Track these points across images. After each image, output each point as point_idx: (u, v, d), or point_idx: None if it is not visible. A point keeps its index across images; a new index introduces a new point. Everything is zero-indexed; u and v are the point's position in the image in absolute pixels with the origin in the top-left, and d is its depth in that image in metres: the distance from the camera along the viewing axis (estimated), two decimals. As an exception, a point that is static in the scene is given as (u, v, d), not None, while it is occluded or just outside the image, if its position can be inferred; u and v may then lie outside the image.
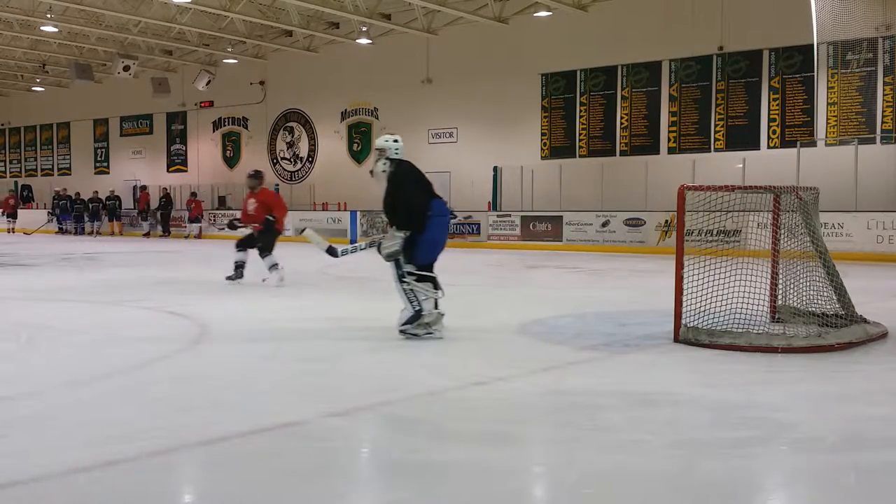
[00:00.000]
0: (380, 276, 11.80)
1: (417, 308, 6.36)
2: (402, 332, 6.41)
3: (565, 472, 3.46)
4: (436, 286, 6.51)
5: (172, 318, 7.81)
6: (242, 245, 11.21)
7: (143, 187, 27.79)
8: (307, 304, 9.22)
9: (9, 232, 28.35)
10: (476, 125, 22.09)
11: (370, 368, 5.55)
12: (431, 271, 6.59)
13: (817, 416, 4.33)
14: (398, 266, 6.43)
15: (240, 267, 10.99)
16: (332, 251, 6.78)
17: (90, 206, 28.05)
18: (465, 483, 3.30)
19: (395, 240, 6.42)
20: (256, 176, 11.92)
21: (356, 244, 7.14)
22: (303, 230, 6.92)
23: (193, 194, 26.19)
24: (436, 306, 6.49)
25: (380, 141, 6.84)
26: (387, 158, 6.70)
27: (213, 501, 3.22)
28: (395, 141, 6.79)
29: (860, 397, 4.77)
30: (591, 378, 5.24)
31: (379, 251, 6.55)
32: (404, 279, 6.40)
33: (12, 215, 29.06)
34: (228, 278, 10.93)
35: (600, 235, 18.21)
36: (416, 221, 6.43)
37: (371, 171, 6.90)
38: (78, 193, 29.05)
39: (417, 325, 6.37)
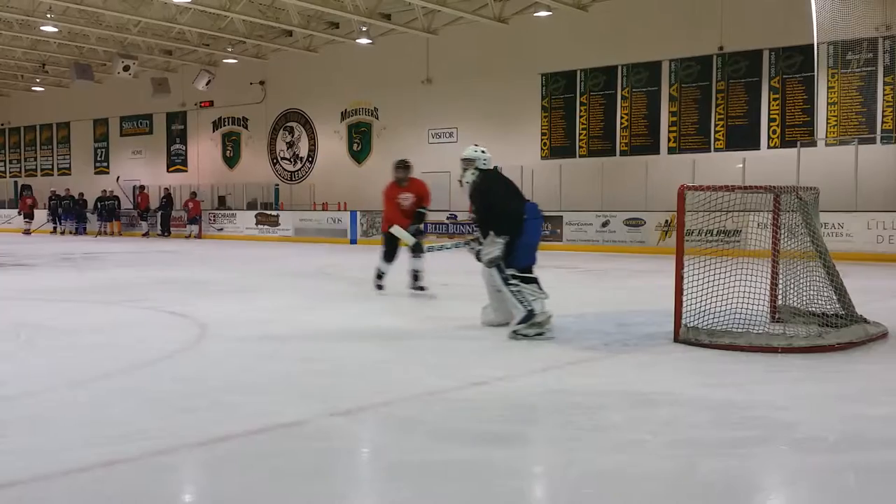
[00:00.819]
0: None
1: (529, 309, 6.39)
2: (514, 333, 6.42)
3: (565, 472, 3.46)
4: (539, 287, 6.60)
5: (172, 318, 7.81)
6: (391, 256, 9.57)
7: (142, 187, 27.76)
8: (307, 304, 9.22)
9: (25, 233, 28.23)
10: (476, 125, 22.07)
11: (370, 368, 5.55)
12: (531, 273, 6.69)
13: (817, 416, 4.32)
14: (501, 270, 6.52)
15: (380, 277, 9.70)
16: (417, 247, 6.86)
17: (98, 204, 27.99)
18: (465, 483, 3.30)
19: (495, 246, 6.52)
20: (407, 167, 9.89)
21: (443, 244, 7.22)
22: (391, 227, 7.03)
23: (193, 194, 26.20)
24: (542, 307, 6.56)
25: (468, 151, 6.95)
26: (476, 168, 6.84)
27: (213, 501, 3.22)
28: (483, 151, 6.96)
29: (860, 397, 4.77)
30: (591, 378, 5.25)
31: (478, 258, 6.70)
32: (511, 282, 6.48)
33: (29, 216, 28.89)
34: (379, 287, 9.65)
35: (600, 235, 18.20)
36: (515, 226, 6.55)
37: (460, 181, 7.02)
38: (82, 194, 28.98)
39: (530, 325, 6.40)
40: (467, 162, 6.92)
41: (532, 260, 6.78)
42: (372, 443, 4.04)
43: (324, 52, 24.69)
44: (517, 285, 6.47)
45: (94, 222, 28.02)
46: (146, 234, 26.63)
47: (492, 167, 7.00)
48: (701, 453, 3.66)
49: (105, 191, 28.30)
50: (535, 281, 6.66)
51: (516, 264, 6.56)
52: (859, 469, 3.50)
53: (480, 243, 6.81)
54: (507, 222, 6.56)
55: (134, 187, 28.97)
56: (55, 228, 28.79)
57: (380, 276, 9.67)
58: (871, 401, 4.67)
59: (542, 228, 7.05)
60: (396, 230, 7.06)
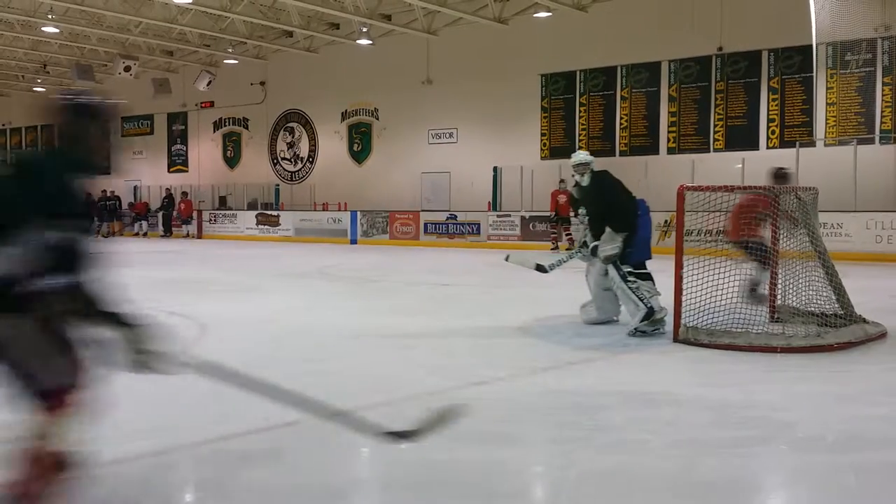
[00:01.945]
0: (379, 276, 11.81)
1: (650, 306, 6.49)
2: (635, 330, 6.50)
3: (566, 472, 3.47)
4: (654, 284, 6.68)
5: (172, 318, 7.81)
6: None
7: (131, 203, 27.62)
8: (307, 304, 9.23)
9: None
10: (476, 125, 22.08)
11: (370, 368, 5.56)
12: (645, 269, 6.78)
13: (817, 416, 4.34)
14: (618, 268, 6.62)
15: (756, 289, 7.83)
16: (540, 268, 6.89)
17: (98, 204, 27.88)
18: (465, 483, 3.31)
19: (614, 242, 6.60)
20: (787, 175, 7.81)
21: (560, 257, 7.20)
22: (507, 258, 6.97)
23: (184, 194, 26.16)
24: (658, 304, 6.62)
25: (583, 156, 7.04)
26: (591, 171, 6.97)
27: (213, 501, 3.23)
28: (591, 154, 7.19)
29: (859, 397, 4.78)
30: (591, 378, 5.26)
31: (595, 255, 6.77)
32: (629, 280, 6.59)
33: None
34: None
35: (600, 235, 18.19)
36: (631, 223, 6.71)
37: (578, 186, 7.07)
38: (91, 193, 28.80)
39: (650, 321, 6.48)
40: (584, 166, 7.00)
41: (647, 255, 6.88)
42: (372, 443, 4.05)
43: (324, 52, 24.69)
44: (635, 282, 6.59)
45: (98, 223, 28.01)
46: (137, 234, 26.57)
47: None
48: (701, 453, 3.67)
49: (105, 191, 28.25)
50: (649, 277, 6.75)
51: (631, 260, 6.67)
52: (859, 469, 3.51)
53: (587, 246, 6.92)
54: (624, 219, 6.71)
55: (135, 188, 28.95)
56: None
57: (755, 288, 7.61)
58: (871, 401, 4.68)
59: (651, 225, 7.21)
60: (513, 259, 7.01)
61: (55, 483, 2.79)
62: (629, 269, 6.64)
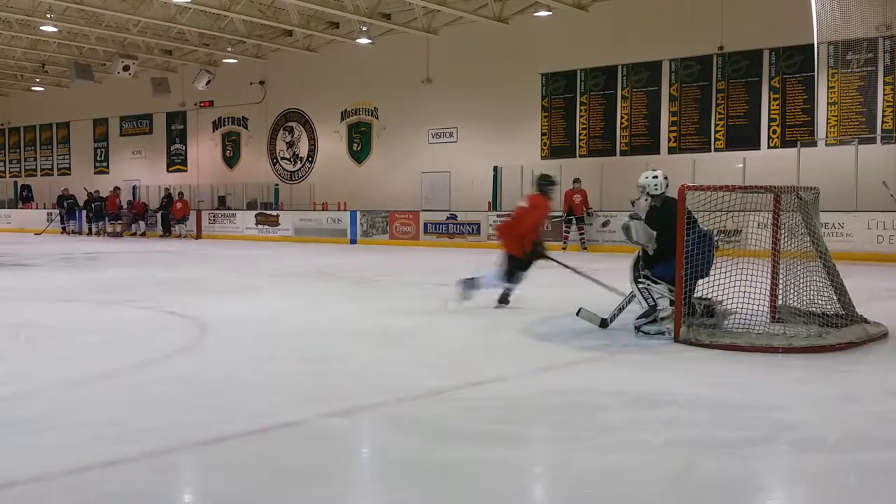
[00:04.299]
0: (379, 276, 11.79)
1: (653, 304, 6.51)
2: (637, 329, 6.53)
3: (565, 472, 3.46)
4: (671, 290, 6.64)
5: (172, 318, 7.81)
6: None
7: (116, 189, 27.42)
8: (307, 304, 9.22)
9: (112, 235, 26.95)
10: (476, 125, 22.07)
11: (370, 368, 5.55)
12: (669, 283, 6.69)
13: (818, 416, 4.32)
14: (638, 269, 6.67)
15: None
16: (604, 323, 6.84)
17: (92, 205, 27.79)
18: (465, 483, 3.30)
19: (649, 236, 6.55)
20: None
21: (619, 304, 7.00)
22: (578, 312, 6.90)
23: (180, 194, 26.13)
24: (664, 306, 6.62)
25: (661, 179, 6.89)
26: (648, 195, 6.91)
27: (213, 501, 3.22)
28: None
29: (860, 397, 4.77)
30: (591, 378, 5.25)
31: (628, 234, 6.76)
32: (640, 280, 6.62)
33: (116, 217, 27.17)
34: None
35: (600, 235, 18.19)
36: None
37: (651, 207, 6.92)
38: (98, 191, 28.60)
39: (651, 321, 6.49)
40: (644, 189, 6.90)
41: (671, 274, 6.62)
42: (372, 443, 4.04)
43: (324, 51, 24.67)
44: (645, 283, 6.61)
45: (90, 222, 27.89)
46: (136, 234, 26.52)
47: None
48: (701, 453, 3.66)
49: (96, 192, 28.16)
50: (664, 284, 6.68)
51: (654, 271, 6.63)
52: (859, 469, 3.50)
53: (645, 274, 6.78)
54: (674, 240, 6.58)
55: (134, 188, 28.93)
56: (63, 228, 28.60)
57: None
58: (872, 401, 4.67)
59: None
60: (585, 313, 6.88)
61: None
62: (647, 273, 6.64)
